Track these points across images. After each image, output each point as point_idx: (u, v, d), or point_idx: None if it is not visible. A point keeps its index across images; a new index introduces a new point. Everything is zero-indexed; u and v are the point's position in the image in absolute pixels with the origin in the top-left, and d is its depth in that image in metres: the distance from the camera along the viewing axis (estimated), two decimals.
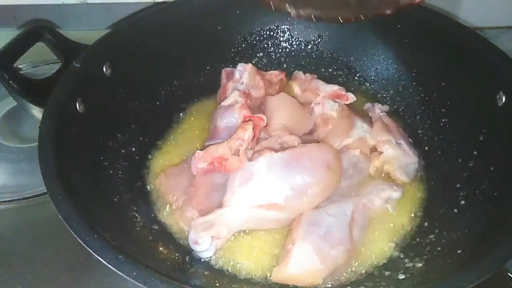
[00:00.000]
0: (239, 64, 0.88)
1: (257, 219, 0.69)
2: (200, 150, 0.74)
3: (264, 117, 0.77)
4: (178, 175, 0.76)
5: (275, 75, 0.91)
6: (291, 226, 0.69)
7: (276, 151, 0.71)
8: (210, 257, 0.69)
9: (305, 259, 0.63)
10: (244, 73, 0.86)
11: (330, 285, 0.65)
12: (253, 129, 0.74)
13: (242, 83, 0.86)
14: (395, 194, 0.73)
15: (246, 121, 0.76)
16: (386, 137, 0.78)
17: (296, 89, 0.89)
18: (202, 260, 0.69)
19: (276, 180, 0.68)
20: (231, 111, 0.79)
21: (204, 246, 0.67)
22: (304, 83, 0.89)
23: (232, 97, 0.82)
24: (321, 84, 0.87)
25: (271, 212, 0.68)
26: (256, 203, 0.68)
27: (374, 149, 0.79)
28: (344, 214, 0.68)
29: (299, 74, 0.91)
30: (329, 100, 0.83)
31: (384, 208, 0.73)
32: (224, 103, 0.81)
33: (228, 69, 0.90)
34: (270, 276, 0.66)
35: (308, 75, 0.90)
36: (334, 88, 0.86)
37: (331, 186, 0.71)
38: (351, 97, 0.85)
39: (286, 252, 0.66)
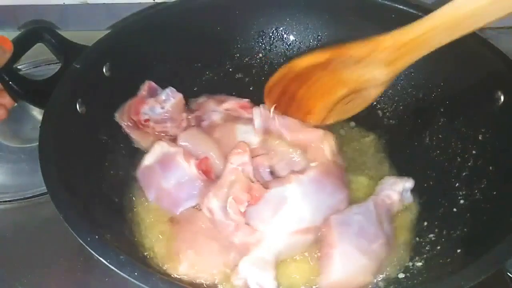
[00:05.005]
0: (169, 88, 0.81)
1: (294, 245, 0.66)
2: None
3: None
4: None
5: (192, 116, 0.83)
6: (321, 235, 0.67)
7: (301, 172, 0.69)
8: None
9: (348, 259, 0.62)
10: (170, 99, 0.79)
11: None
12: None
13: (162, 108, 0.78)
14: (408, 184, 0.73)
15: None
16: None
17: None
18: None
19: (310, 201, 0.66)
20: (175, 166, 0.71)
21: (272, 284, 0.62)
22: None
23: (156, 151, 0.73)
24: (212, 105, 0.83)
25: (309, 236, 0.66)
26: (293, 229, 0.65)
27: None
28: (368, 211, 0.68)
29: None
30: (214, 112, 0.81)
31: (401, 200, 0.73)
32: (149, 159, 0.73)
33: (153, 84, 0.82)
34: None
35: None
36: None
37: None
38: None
39: (325, 258, 0.64)
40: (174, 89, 0.81)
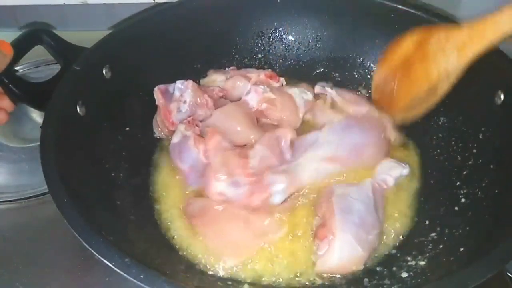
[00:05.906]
0: (178, 81, 0.82)
1: (318, 171, 0.74)
2: None
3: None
4: None
5: (216, 91, 0.85)
6: (323, 218, 0.69)
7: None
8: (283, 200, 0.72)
9: (347, 248, 0.65)
10: (185, 91, 0.81)
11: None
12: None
13: (185, 102, 0.80)
14: (405, 171, 0.75)
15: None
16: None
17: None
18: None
19: (337, 138, 0.75)
20: (187, 150, 0.76)
21: (279, 186, 0.70)
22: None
23: (179, 133, 0.77)
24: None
25: (331, 165, 0.74)
26: (321, 157, 0.74)
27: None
28: (367, 197, 0.70)
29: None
30: (255, 87, 0.83)
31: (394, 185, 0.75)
32: (174, 139, 0.78)
33: (162, 86, 0.83)
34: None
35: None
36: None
37: (382, 153, 0.77)
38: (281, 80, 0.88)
39: (326, 243, 0.66)
40: (181, 80, 0.82)
